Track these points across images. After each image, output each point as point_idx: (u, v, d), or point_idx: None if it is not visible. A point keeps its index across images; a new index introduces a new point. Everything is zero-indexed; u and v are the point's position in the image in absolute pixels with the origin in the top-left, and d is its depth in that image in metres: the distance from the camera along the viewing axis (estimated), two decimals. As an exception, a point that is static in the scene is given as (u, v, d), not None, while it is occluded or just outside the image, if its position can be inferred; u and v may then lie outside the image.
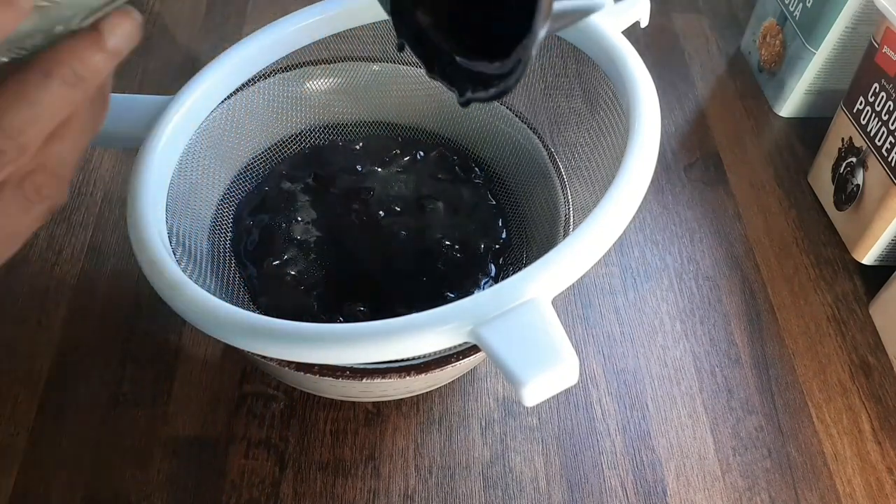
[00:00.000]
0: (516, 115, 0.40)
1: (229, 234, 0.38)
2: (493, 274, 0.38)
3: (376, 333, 0.25)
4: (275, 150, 0.41)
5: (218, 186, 0.39)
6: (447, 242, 0.38)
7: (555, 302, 0.43)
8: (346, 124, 0.43)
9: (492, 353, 0.24)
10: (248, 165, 0.40)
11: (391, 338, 0.24)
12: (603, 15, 0.33)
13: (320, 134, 0.43)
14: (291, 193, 0.39)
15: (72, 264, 0.41)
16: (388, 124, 0.43)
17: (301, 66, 0.40)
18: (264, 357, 0.29)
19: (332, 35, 0.38)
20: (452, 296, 0.36)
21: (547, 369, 0.23)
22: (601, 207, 0.27)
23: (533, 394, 0.23)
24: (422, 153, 0.42)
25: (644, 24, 0.35)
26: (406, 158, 0.42)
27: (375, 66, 0.41)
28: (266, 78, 0.39)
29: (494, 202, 0.41)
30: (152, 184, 0.30)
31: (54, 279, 0.40)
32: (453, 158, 0.42)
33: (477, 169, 0.42)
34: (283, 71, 0.39)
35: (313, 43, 0.38)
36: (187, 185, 0.35)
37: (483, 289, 0.36)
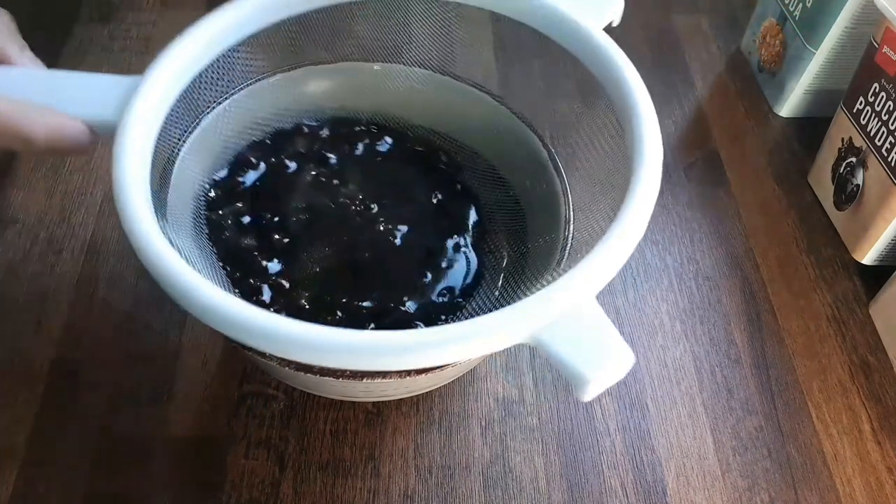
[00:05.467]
0: (516, 115, 0.40)
1: (205, 230, 0.37)
2: (477, 266, 0.38)
3: (435, 342, 0.24)
4: (244, 135, 0.40)
5: (195, 181, 0.37)
6: (432, 238, 0.38)
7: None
8: (345, 120, 0.42)
9: (553, 355, 0.24)
10: (220, 155, 0.39)
11: (451, 345, 0.24)
12: (584, 13, 0.33)
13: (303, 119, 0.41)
14: (260, 185, 0.38)
15: (72, 264, 0.41)
16: (380, 125, 0.43)
17: (302, 66, 0.40)
18: (264, 357, 0.29)
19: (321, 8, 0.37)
20: (441, 289, 0.36)
21: (607, 365, 0.24)
22: (626, 206, 0.27)
23: (594, 390, 0.24)
24: (404, 146, 0.41)
25: (616, 23, 0.35)
26: (383, 151, 0.41)
27: (377, 66, 0.41)
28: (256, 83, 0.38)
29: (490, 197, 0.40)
30: (138, 179, 0.29)
31: (54, 279, 0.40)
32: (439, 155, 0.41)
33: (468, 165, 0.41)
34: (285, 71, 0.39)
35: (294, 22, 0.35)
36: (167, 184, 0.34)
37: (470, 280, 0.36)
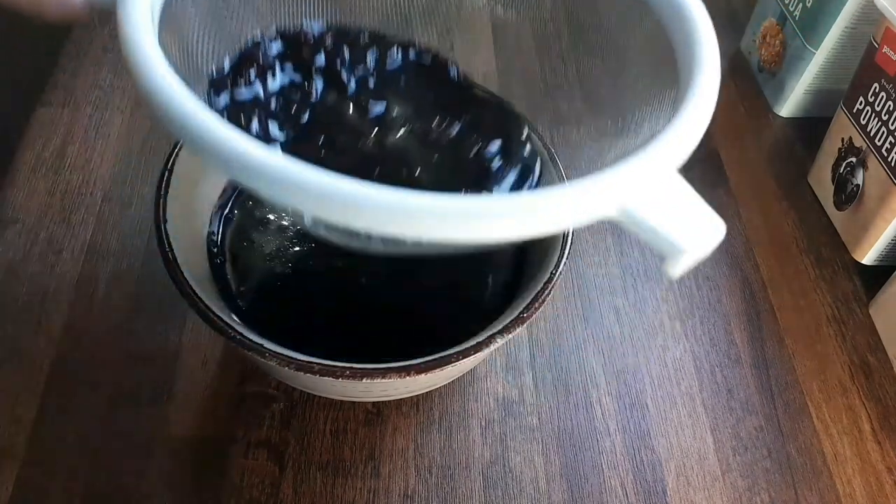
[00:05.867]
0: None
1: None
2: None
3: (525, 207, 0.22)
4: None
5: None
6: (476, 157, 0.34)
7: (555, 302, 0.43)
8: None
9: (643, 226, 0.24)
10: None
11: (542, 211, 0.22)
12: None
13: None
14: (273, 92, 0.35)
15: (72, 264, 0.41)
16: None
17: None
18: (264, 357, 0.29)
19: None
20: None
21: (701, 234, 0.24)
22: (695, 79, 0.27)
23: (687, 261, 0.23)
24: (413, 58, 0.39)
25: None
26: (395, 63, 0.38)
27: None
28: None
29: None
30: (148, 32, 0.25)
31: (54, 279, 0.40)
32: (448, 68, 0.39)
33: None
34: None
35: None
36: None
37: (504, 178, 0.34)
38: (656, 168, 0.24)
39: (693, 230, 0.24)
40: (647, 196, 0.24)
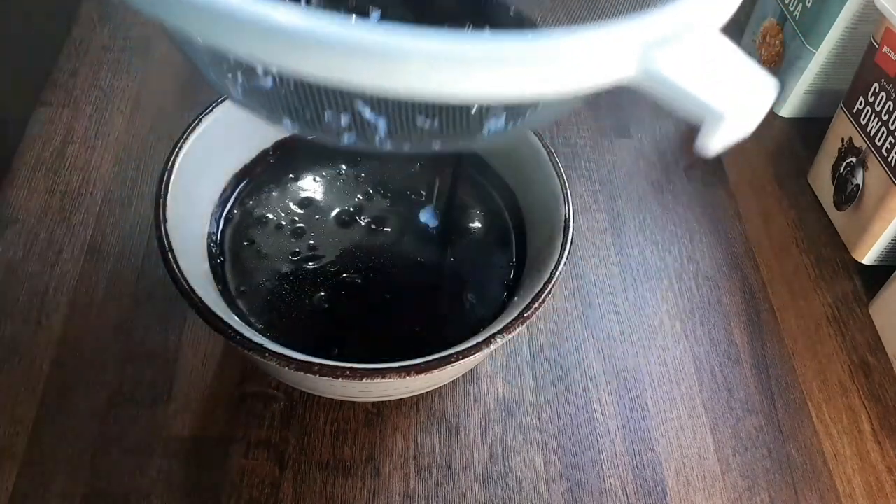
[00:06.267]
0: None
1: None
2: None
3: (528, 51, 0.18)
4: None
5: None
6: None
7: (555, 302, 0.43)
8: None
9: (672, 86, 0.19)
10: None
11: (549, 56, 0.18)
12: None
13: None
14: None
15: (72, 264, 0.41)
16: None
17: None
18: (264, 357, 0.29)
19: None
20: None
21: (746, 96, 0.19)
22: None
23: (728, 132, 0.19)
24: None
25: None
26: None
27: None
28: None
29: None
30: None
31: (54, 279, 0.40)
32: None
33: None
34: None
35: None
36: None
37: None
38: (687, 18, 0.19)
39: (736, 92, 0.19)
40: (679, 52, 0.19)
